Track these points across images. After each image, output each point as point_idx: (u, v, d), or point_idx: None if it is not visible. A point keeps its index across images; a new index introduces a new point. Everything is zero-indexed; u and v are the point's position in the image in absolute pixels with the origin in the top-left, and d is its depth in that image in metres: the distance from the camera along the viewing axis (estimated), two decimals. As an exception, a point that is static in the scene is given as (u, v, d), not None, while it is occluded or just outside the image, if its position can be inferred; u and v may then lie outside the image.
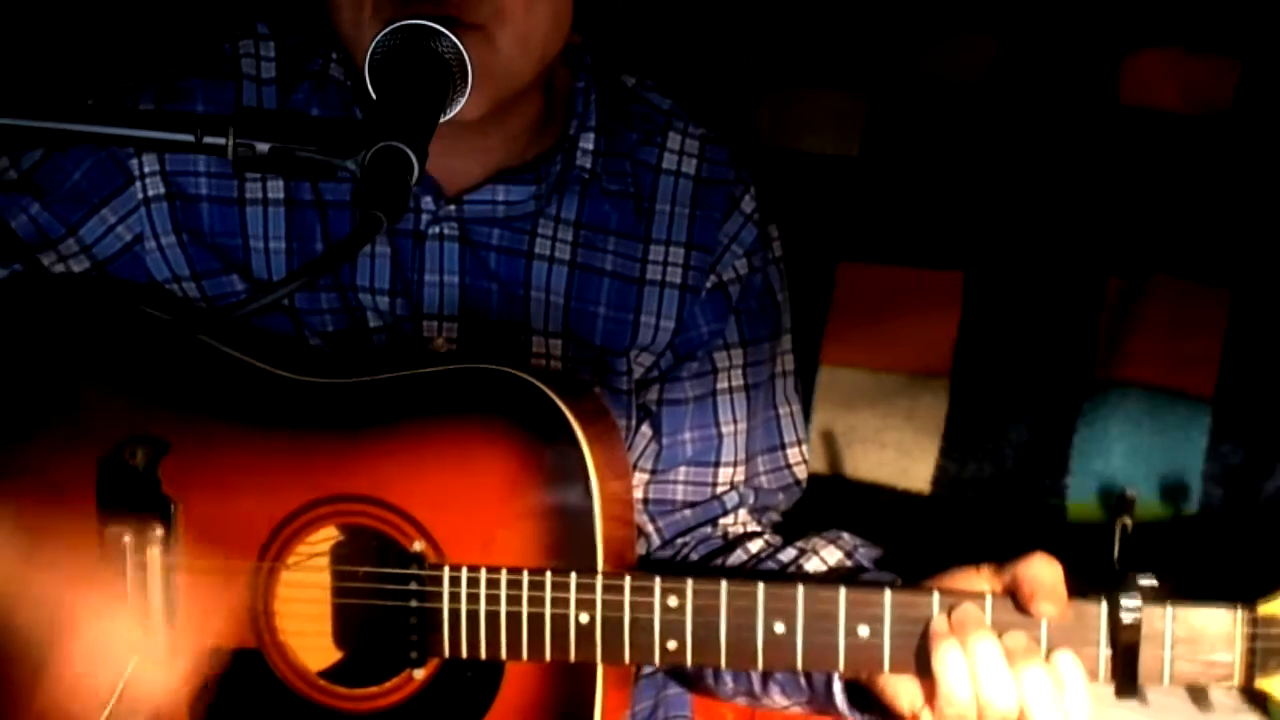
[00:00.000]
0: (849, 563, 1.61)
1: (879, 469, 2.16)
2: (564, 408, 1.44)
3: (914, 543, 2.07)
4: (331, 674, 1.50)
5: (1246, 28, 2.23)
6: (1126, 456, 2.06)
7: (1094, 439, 2.08)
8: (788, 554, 1.63)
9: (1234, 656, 1.29)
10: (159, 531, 1.46)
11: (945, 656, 1.32)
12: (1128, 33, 2.27)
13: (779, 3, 2.40)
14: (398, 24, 1.29)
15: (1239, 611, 1.31)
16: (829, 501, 2.16)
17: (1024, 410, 2.14)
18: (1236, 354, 2.10)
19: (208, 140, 1.17)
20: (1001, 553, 1.41)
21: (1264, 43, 2.21)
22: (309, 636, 1.49)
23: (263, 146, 1.17)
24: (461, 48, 1.29)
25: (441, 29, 1.29)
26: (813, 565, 1.61)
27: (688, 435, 1.68)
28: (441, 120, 1.26)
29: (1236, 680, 1.30)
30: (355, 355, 1.60)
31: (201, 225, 1.60)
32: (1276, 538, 1.98)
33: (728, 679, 1.61)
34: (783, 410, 1.76)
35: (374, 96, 1.26)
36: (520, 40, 1.50)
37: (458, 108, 1.30)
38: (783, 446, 1.75)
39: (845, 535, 1.64)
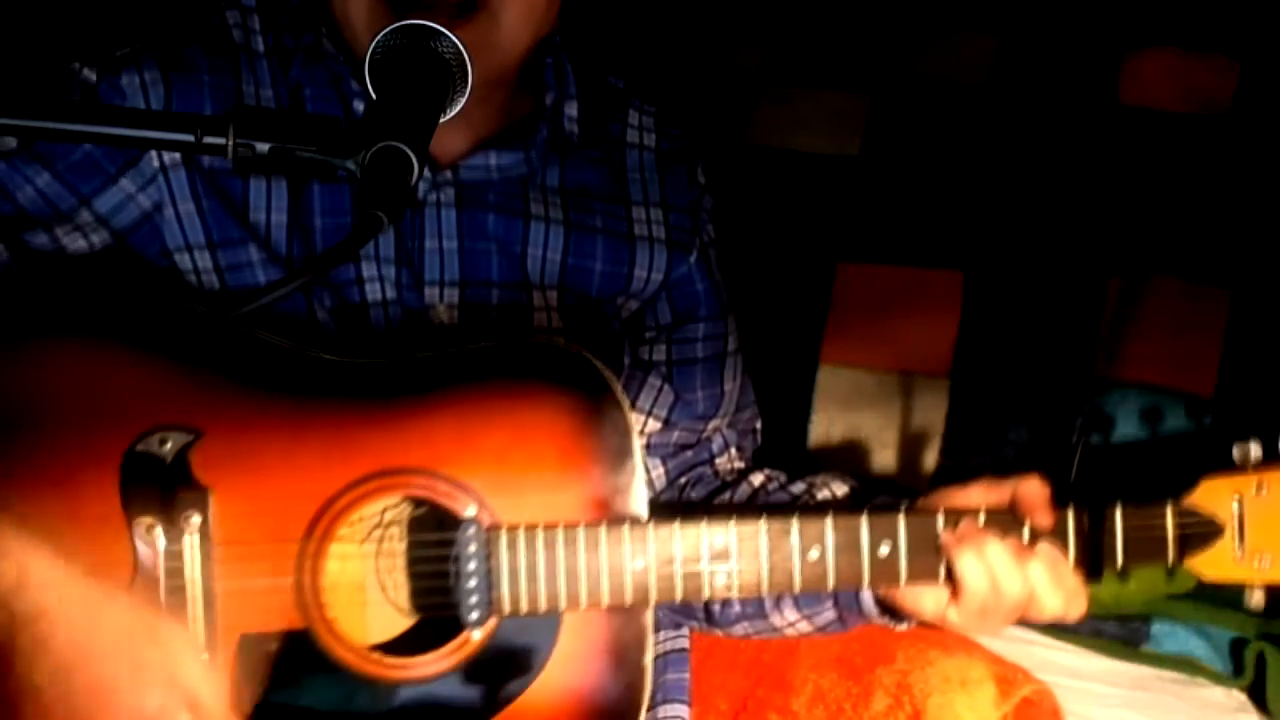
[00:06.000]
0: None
1: (879, 469, 2.17)
2: (600, 368, 1.50)
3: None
4: (384, 646, 1.50)
5: (1246, 28, 2.23)
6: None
7: (1094, 439, 2.08)
8: (798, 487, 1.71)
9: (1168, 542, 1.54)
10: (195, 520, 1.44)
11: (966, 560, 1.51)
12: (1128, 33, 2.27)
13: (778, 2, 2.40)
14: (398, 24, 1.29)
15: (1169, 504, 1.54)
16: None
17: (1024, 410, 2.14)
18: (1236, 354, 2.10)
19: (208, 140, 1.16)
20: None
21: (1264, 43, 2.21)
22: (360, 609, 1.50)
23: (263, 147, 1.17)
24: (461, 47, 1.29)
25: (442, 29, 1.29)
26: (824, 495, 1.70)
27: (699, 394, 1.77)
28: (441, 120, 1.26)
29: (1170, 560, 1.54)
30: (374, 333, 1.61)
31: (216, 193, 1.60)
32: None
33: (735, 603, 1.67)
34: (742, 381, 1.86)
35: (374, 96, 1.26)
36: (522, 16, 1.56)
37: (458, 107, 1.30)
38: (749, 406, 1.85)
39: (847, 474, 1.73)
